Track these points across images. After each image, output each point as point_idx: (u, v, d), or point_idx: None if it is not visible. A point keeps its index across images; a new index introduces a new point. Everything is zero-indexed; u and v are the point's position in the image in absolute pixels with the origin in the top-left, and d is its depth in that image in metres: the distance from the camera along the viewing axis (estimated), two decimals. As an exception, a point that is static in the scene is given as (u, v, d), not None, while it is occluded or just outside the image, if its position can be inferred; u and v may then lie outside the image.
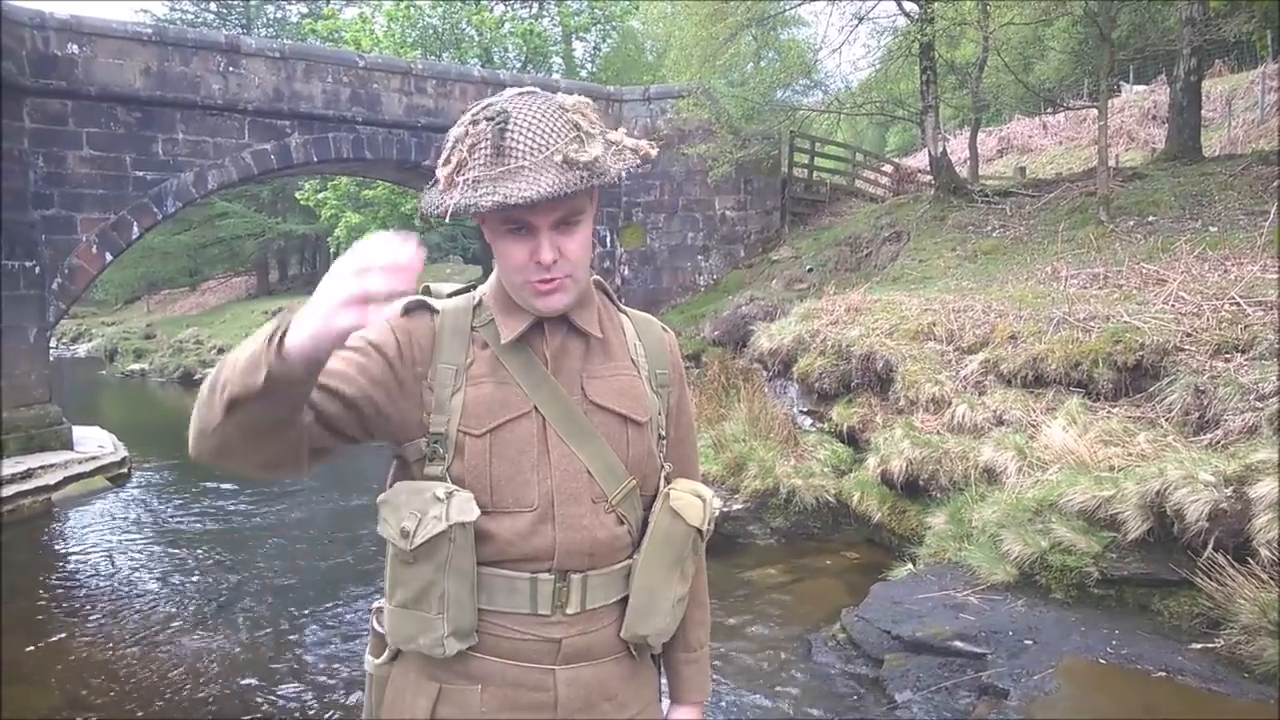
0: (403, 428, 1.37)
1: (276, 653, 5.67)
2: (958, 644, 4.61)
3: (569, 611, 1.38)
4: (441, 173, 1.30)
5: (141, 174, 11.68)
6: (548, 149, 1.25)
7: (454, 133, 1.31)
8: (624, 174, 1.30)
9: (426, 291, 1.46)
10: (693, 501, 1.47)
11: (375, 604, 1.51)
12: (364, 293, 1.02)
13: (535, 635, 1.37)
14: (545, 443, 1.37)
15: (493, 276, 1.45)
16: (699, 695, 1.63)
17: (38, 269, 10.74)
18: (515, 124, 1.26)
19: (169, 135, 11.88)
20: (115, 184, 11.47)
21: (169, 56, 11.88)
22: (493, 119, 1.27)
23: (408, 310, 1.39)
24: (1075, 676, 4.13)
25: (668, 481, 1.51)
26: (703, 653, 1.65)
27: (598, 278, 1.50)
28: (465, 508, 1.32)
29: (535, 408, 1.37)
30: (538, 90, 1.32)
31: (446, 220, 1.26)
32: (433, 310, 1.41)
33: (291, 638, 5.91)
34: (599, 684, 1.41)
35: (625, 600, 1.44)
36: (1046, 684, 4.06)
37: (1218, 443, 5.35)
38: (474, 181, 1.25)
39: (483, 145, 1.26)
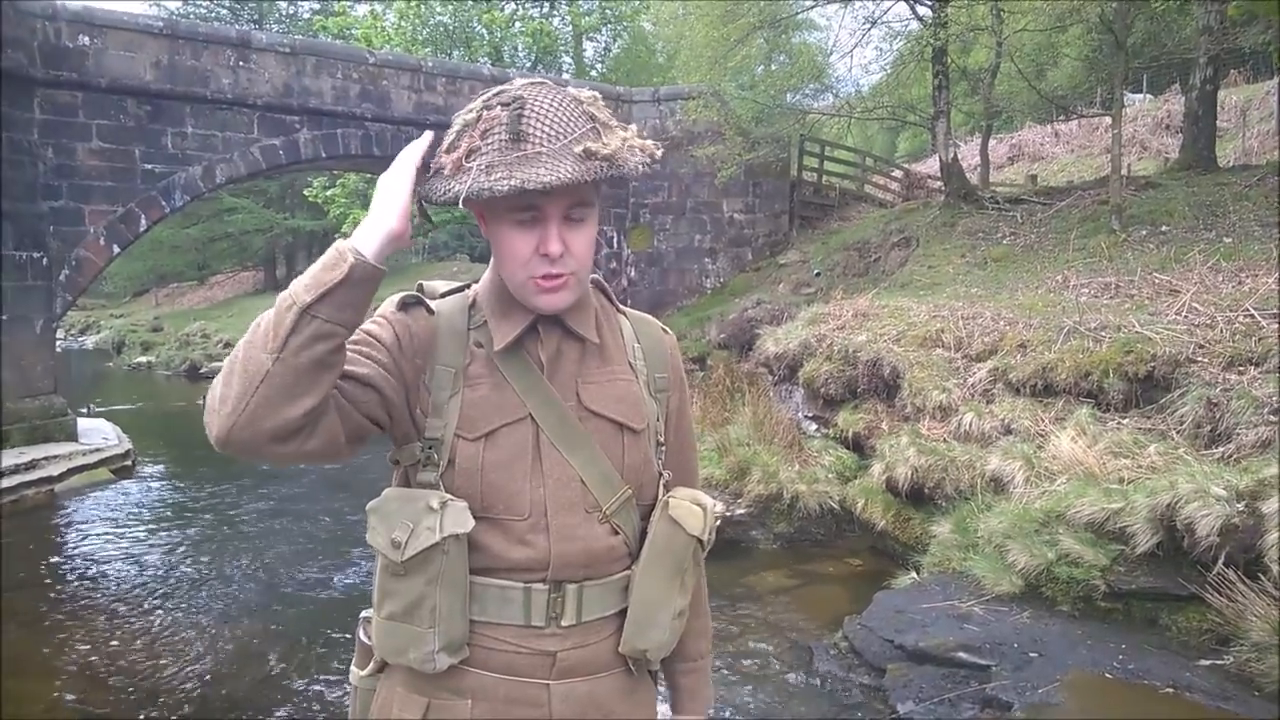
0: (404, 422, 1.32)
1: (273, 650, 5.62)
2: (961, 655, 4.55)
3: (564, 624, 1.33)
4: (448, 159, 1.26)
5: (150, 167, 11.65)
6: (566, 137, 1.21)
7: (463, 118, 1.28)
8: (636, 171, 1.26)
9: (420, 290, 1.41)
10: (693, 510, 1.41)
11: (363, 614, 1.46)
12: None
13: (529, 648, 1.32)
14: (538, 450, 1.32)
15: (485, 277, 1.40)
16: (699, 706, 1.58)
17: (45, 260, 10.72)
18: (532, 110, 1.23)
19: (178, 129, 11.86)
20: (124, 176, 11.44)
21: (180, 50, 11.84)
22: (508, 104, 1.24)
23: (404, 305, 1.35)
24: (1081, 691, 4.06)
25: (666, 490, 1.45)
26: (703, 663, 1.59)
27: (596, 278, 1.45)
28: (460, 519, 1.27)
29: (530, 414, 1.32)
30: (548, 81, 1.29)
31: (460, 207, 1.22)
32: (429, 309, 1.36)
33: (290, 635, 5.87)
34: (595, 700, 1.36)
35: (624, 613, 1.38)
36: (1051, 698, 4.00)
37: (1230, 456, 5.29)
38: (488, 167, 1.21)
39: (497, 130, 1.23)
